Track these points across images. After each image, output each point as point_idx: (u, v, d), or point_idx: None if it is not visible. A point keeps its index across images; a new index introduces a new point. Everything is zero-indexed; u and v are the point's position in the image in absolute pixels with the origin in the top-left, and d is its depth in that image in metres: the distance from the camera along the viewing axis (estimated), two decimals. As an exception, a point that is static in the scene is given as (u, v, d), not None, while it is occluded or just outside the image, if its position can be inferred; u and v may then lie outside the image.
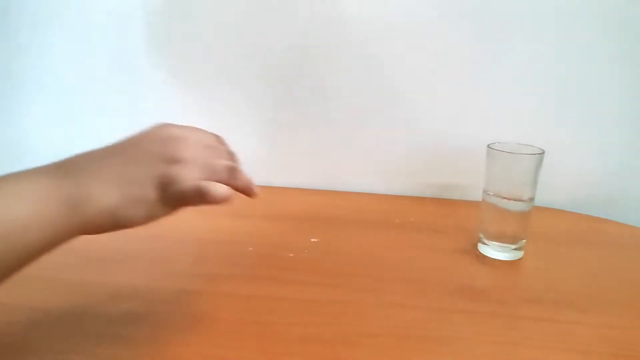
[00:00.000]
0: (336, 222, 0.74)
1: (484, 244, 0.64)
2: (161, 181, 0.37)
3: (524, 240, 0.62)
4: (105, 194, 0.35)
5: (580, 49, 0.77)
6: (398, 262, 0.61)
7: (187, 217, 0.67)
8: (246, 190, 0.43)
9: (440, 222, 0.75)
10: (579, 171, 0.82)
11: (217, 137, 0.46)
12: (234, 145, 0.94)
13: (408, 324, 0.48)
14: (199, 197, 0.37)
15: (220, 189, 0.37)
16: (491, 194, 0.62)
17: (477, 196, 0.64)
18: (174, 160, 0.37)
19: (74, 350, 0.43)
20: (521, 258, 0.63)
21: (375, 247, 0.62)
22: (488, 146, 0.61)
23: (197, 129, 0.43)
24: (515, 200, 0.60)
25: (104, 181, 0.36)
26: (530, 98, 0.80)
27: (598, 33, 0.76)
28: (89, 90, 0.91)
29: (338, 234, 0.69)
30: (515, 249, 0.62)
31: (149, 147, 0.38)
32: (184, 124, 0.42)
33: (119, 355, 0.42)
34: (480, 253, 0.64)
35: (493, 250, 0.63)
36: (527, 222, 0.62)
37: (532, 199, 0.61)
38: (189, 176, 0.37)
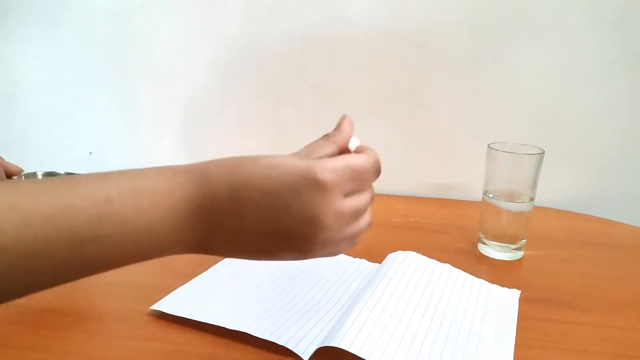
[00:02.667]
0: (336, 222, 0.74)
1: (484, 244, 0.64)
2: (299, 256, 0.35)
3: (524, 240, 0.62)
4: (227, 254, 0.35)
5: (580, 49, 0.77)
6: (398, 262, 0.61)
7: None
8: None
9: (440, 222, 0.75)
10: (579, 171, 0.82)
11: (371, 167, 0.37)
12: (234, 145, 0.94)
13: (408, 323, 0.48)
14: None
15: None
16: (491, 194, 0.62)
17: (477, 196, 0.64)
18: (318, 245, 0.34)
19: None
20: (521, 258, 0.63)
21: (375, 247, 0.62)
22: (488, 146, 0.61)
23: (352, 173, 0.35)
24: (515, 200, 0.60)
25: (231, 250, 0.34)
26: (530, 98, 0.80)
27: (598, 33, 0.76)
28: (89, 90, 0.91)
29: (338, 234, 0.69)
30: (515, 249, 0.62)
31: (292, 228, 0.33)
32: (339, 177, 0.33)
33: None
34: (480, 253, 0.64)
35: (493, 250, 0.63)
36: (527, 222, 0.62)
37: (532, 199, 0.61)
38: (330, 249, 0.35)
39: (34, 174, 0.57)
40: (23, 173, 0.56)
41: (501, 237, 0.62)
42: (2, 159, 0.54)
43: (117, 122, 0.92)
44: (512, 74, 0.79)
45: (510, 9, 0.76)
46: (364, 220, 0.37)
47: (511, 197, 0.61)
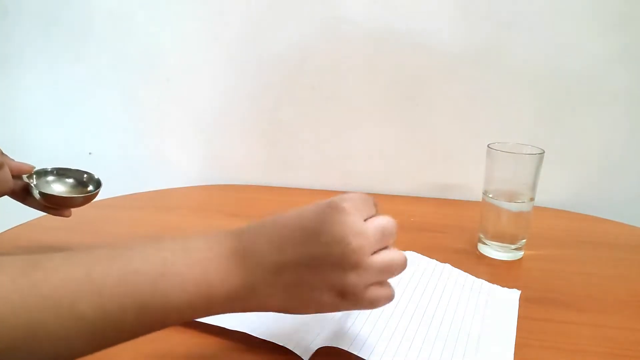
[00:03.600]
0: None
1: (484, 244, 0.64)
2: (337, 289, 0.35)
3: (524, 240, 0.62)
4: (273, 299, 0.36)
5: (580, 49, 0.77)
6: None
7: (186, 217, 0.67)
8: None
9: (440, 222, 0.75)
10: (579, 171, 0.82)
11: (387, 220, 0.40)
12: (234, 145, 0.94)
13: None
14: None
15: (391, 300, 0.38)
16: (491, 194, 0.62)
17: (477, 196, 0.64)
18: (353, 267, 0.35)
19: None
20: (521, 258, 0.63)
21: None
22: (488, 146, 0.61)
23: (364, 203, 0.38)
24: (515, 200, 0.60)
25: (276, 286, 0.35)
26: (530, 98, 0.80)
27: (598, 33, 0.76)
28: (88, 90, 0.91)
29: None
30: (515, 249, 0.62)
31: (323, 250, 0.35)
32: (353, 199, 0.37)
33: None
34: (480, 253, 0.64)
35: (493, 250, 0.63)
36: (527, 222, 0.62)
37: (532, 199, 0.61)
38: (367, 281, 0.36)
39: (44, 171, 0.58)
40: (34, 170, 0.56)
41: (501, 237, 0.62)
42: (12, 159, 0.54)
43: (117, 122, 0.92)
44: (512, 74, 0.79)
45: (509, 9, 0.76)
46: (395, 252, 0.38)
47: (511, 197, 0.61)
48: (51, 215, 0.68)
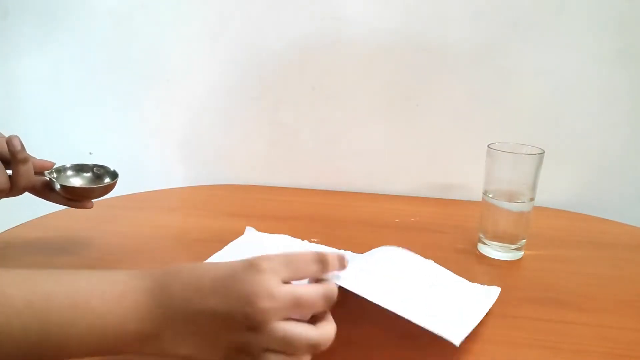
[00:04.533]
0: (336, 222, 0.74)
1: (484, 244, 0.64)
2: (240, 347, 0.35)
3: (524, 240, 0.62)
4: (182, 346, 0.36)
5: (580, 49, 0.77)
6: (398, 262, 0.61)
7: (186, 217, 0.67)
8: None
9: (440, 222, 0.75)
10: (579, 171, 0.82)
11: (321, 268, 0.39)
12: (234, 145, 0.94)
13: (408, 323, 0.48)
14: None
15: None
16: (491, 194, 0.62)
17: (477, 196, 0.64)
18: (255, 329, 0.34)
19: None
20: (521, 258, 0.63)
21: (375, 247, 0.62)
22: (488, 146, 0.61)
23: (296, 264, 0.37)
24: (515, 200, 0.60)
25: (185, 332, 0.35)
26: (530, 98, 0.80)
27: (598, 33, 0.76)
28: (89, 90, 0.91)
29: (338, 234, 0.69)
30: (515, 249, 0.62)
31: (232, 306, 0.34)
32: (280, 259, 0.37)
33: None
34: (480, 253, 0.64)
35: (493, 250, 0.63)
36: (527, 222, 0.62)
37: (532, 199, 0.61)
38: (266, 346, 0.35)
39: (63, 167, 0.60)
40: (54, 167, 0.58)
41: (501, 237, 0.62)
42: (34, 157, 0.55)
43: (117, 122, 0.92)
44: (512, 74, 0.79)
45: (510, 9, 0.76)
46: (308, 328, 0.36)
47: (511, 197, 0.61)
48: (50, 215, 0.68)
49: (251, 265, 0.35)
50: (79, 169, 0.61)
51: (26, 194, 0.56)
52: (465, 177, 0.84)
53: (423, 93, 0.83)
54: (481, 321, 0.49)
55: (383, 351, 0.44)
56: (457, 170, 0.85)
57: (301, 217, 0.76)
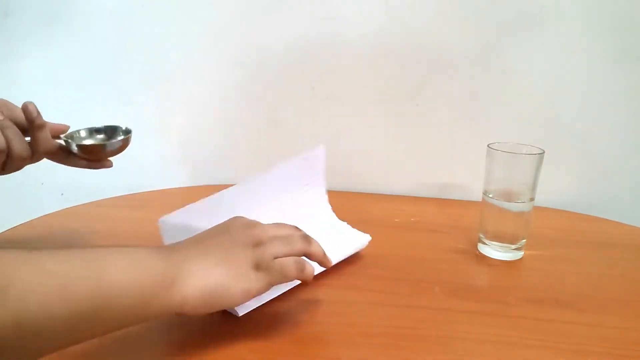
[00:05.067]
0: (336, 222, 0.74)
1: (484, 244, 0.64)
2: (253, 262, 0.42)
3: (524, 240, 0.62)
4: (205, 275, 0.40)
5: (580, 49, 0.77)
6: (398, 262, 0.61)
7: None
8: (321, 260, 0.47)
9: (440, 222, 0.75)
10: (579, 171, 0.82)
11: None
12: (234, 145, 0.94)
13: (408, 323, 0.48)
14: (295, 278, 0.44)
15: (308, 271, 0.44)
16: (491, 194, 0.62)
17: (477, 196, 0.64)
18: (259, 243, 0.43)
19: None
20: (521, 258, 0.63)
21: (375, 247, 0.62)
22: (488, 146, 0.61)
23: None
24: (515, 200, 0.60)
25: (204, 264, 0.40)
26: (530, 98, 0.80)
27: (598, 33, 0.76)
28: (89, 90, 0.91)
29: (338, 234, 0.69)
30: (515, 249, 0.62)
31: (234, 234, 0.44)
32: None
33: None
34: (480, 253, 0.64)
35: (493, 250, 0.63)
36: (527, 222, 0.62)
37: (532, 199, 0.61)
38: (274, 252, 0.43)
39: (76, 131, 0.60)
40: (68, 131, 0.59)
41: (501, 237, 0.62)
42: (49, 122, 0.56)
43: (117, 122, 0.92)
44: (512, 74, 0.79)
45: (510, 9, 0.76)
46: (295, 232, 0.47)
47: (511, 197, 0.61)
48: (51, 214, 0.68)
49: (237, 217, 0.46)
50: (92, 132, 0.62)
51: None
52: (465, 177, 0.84)
53: (423, 93, 0.83)
54: (481, 321, 0.49)
55: (383, 351, 0.44)
56: (457, 170, 0.85)
57: (301, 217, 0.76)
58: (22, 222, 0.69)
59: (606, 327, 0.48)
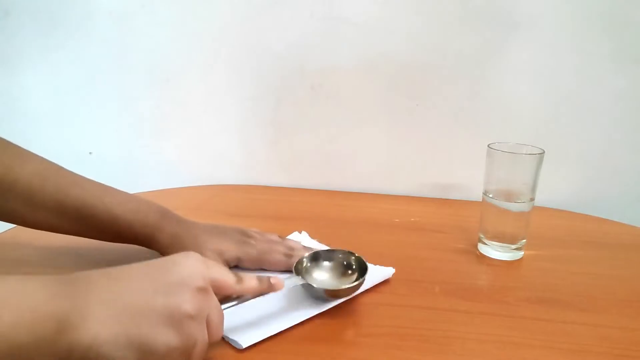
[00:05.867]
0: (336, 222, 0.74)
1: (484, 244, 0.64)
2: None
3: (524, 240, 0.62)
4: (112, 322, 0.32)
5: (580, 49, 0.77)
6: (398, 262, 0.61)
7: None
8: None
9: (440, 222, 0.75)
10: (579, 171, 0.82)
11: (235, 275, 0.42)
12: (234, 145, 0.94)
13: (408, 323, 0.48)
14: None
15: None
16: (491, 194, 0.62)
17: (477, 196, 0.64)
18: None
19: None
20: (521, 258, 0.63)
21: (375, 247, 0.62)
22: (488, 146, 0.61)
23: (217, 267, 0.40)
24: (515, 200, 0.60)
25: (114, 312, 0.33)
26: (530, 98, 0.80)
27: (598, 33, 0.76)
28: (89, 90, 0.91)
29: (338, 234, 0.69)
30: (515, 249, 0.62)
31: (153, 298, 0.34)
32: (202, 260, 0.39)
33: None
34: (480, 253, 0.64)
35: (493, 250, 0.63)
36: (527, 222, 0.62)
37: (532, 199, 0.61)
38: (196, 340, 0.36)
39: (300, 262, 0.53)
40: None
41: (501, 237, 0.62)
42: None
43: (117, 122, 0.92)
44: (512, 74, 0.79)
45: (510, 9, 0.76)
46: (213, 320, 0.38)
47: (511, 197, 0.61)
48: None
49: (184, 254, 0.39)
50: (315, 257, 0.54)
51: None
52: (465, 177, 0.84)
53: (423, 93, 0.83)
54: (481, 321, 0.49)
55: (383, 351, 0.44)
56: (457, 170, 0.85)
57: (301, 217, 0.76)
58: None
59: (606, 327, 0.48)
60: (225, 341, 0.44)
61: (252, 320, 0.46)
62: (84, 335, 0.31)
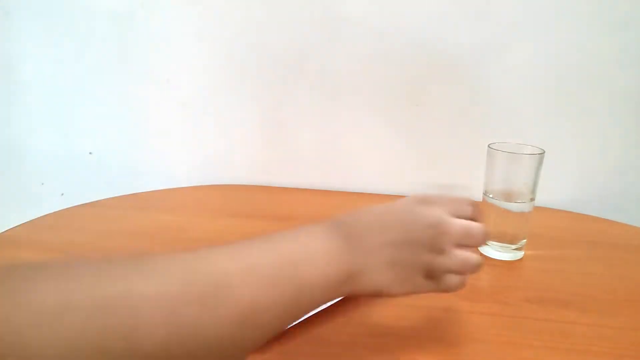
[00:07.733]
0: (336, 222, 0.74)
1: (484, 243, 0.64)
2: (427, 268, 0.41)
3: (524, 240, 0.62)
4: (378, 276, 0.39)
5: (580, 49, 0.77)
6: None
7: (187, 217, 0.67)
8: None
9: (440, 222, 0.75)
10: (579, 171, 0.82)
11: (474, 210, 0.46)
12: (234, 145, 0.94)
13: (408, 323, 0.48)
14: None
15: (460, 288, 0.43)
16: (491, 194, 0.62)
17: (477, 196, 0.64)
18: (440, 252, 0.41)
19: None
20: (521, 258, 0.63)
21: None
22: (488, 146, 0.61)
23: (456, 203, 0.44)
24: (515, 200, 0.60)
25: (380, 263, 0.40)
26: (530, 98, 0.80)
27: (598, 32, 0.76)
28: (89, 89, 0.91)
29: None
30: (515, 249, 0.62)
31: (418, 233, 0.41)
32: (442, 197, 0.44)
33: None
34: (480, 253, 0.64)
35: (493, 250, 0.63)
36: (527, 222, 0.62)
37: (532, 199, 0.61)
38: (450, 268, 0.41)
39: None
40: None
41: (501, 237, 0.62)
42: None
43: (117, 122, 0.92)
44: (512, 74, 0.79)
45: (510, 9, 0.76)
46: (472, 254, 0.42)
47: (511, 197, 0.61)
48: (51, 214, 0.68)
49: (423, 201, 0.42)
50: None
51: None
52: (465, 177, 0.84)
53: (423, 93, 0.83)
54: (481, 321, 0.49)
55: (383, 351, 0.44)
56: (457, 170, 0.85)
57: (301, 217, 0.76)
58: (22, 222, 0.69)
59: (606, 327, 0.48)
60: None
61: None
62: (367, 282, 0.39)
